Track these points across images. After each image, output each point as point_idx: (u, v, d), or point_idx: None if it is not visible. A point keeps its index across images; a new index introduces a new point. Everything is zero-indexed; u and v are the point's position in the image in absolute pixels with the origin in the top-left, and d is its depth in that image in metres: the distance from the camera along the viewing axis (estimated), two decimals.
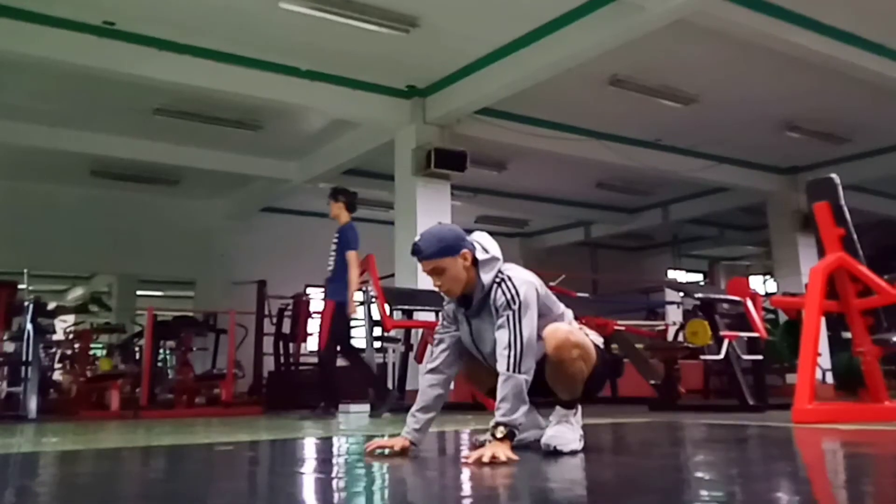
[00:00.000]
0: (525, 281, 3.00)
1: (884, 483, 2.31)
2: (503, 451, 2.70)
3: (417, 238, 3.04)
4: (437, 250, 3.00)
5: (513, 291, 2.94)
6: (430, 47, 8.18)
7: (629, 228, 16.55)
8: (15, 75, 8.48)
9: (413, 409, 3.17)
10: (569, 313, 3.23)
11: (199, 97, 8.91)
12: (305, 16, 7.27)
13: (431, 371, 3.16)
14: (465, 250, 3.02)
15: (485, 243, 3.11)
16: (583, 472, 2.67)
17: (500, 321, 2.93)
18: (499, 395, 2.84)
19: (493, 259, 3.06)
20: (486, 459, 2.66)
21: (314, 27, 7.56)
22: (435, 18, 7.56)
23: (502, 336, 2.89)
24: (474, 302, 3.04)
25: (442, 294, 3.12)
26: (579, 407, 3.16)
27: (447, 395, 3.18)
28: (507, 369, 2.83)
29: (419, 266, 3.09)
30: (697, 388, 9.37)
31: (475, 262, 3.04)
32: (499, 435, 2.77)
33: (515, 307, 2.91)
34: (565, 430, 3.08)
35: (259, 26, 7.72)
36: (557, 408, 3.13)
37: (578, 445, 3.07)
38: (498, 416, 2.82)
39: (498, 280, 3.00)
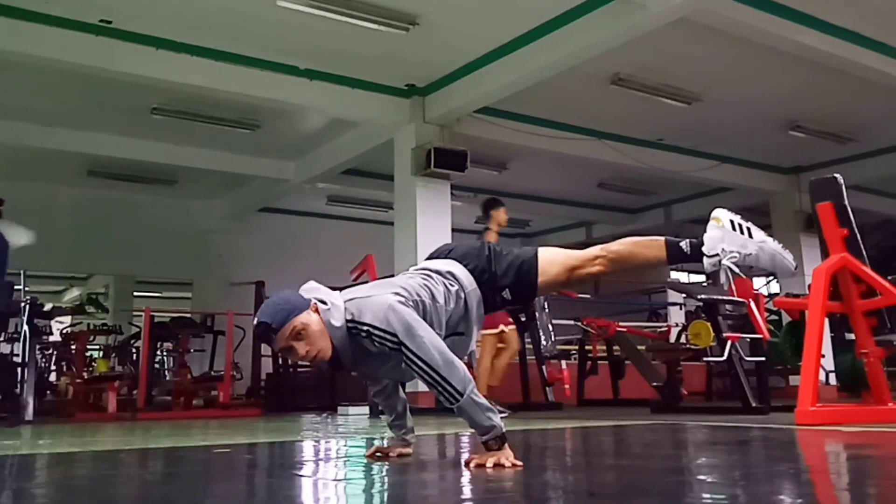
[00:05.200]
0: (385, 312, 2.63)
1: (887, 485, 2.27)
2: (506, 458, 2.61)
3: (256, 321, 2.65)
4: (287, 314, 2.63)
5: (387, 335, 2.61)
6: (429, 46, 8.14)
7: (631, 229, 16.48)
8: (10, 74, 8.44)
9: (389, 422, 3.12)
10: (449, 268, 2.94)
11: (197, 96, 8.88)
12: (304, 14, 7.24)
13: (376, 395, 3.10)
14: (312, 303, 2.69)
15: (318, 292, 2.77)
16: (584, 475, 2.66)
17: (402, 367, 2.64)
18: (467, 423, 2.66)
19: (334, 306, 2.71)
20: (489, 465, 2.58)
21: (312, 25, 7.52)
22: (435, 16, 7.53)
23: (420, 379, 2.63)
24: (343, 354, 2.72)
25: (313, 365, 2.87)
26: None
27: (405, 397, 3.14)
28: (450, 403, 2.60)
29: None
30: (700, 390, 9.33)
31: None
32: (494, 447, 2.64)
33: (402, 347, 2.59)
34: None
35: (257, 25, 7.68)
36: None
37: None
38: (480, 438, 2.67)
39: (363, 333, 2.65)
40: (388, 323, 2.60)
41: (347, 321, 2.67)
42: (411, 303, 2.72)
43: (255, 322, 2.66)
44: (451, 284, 2.89)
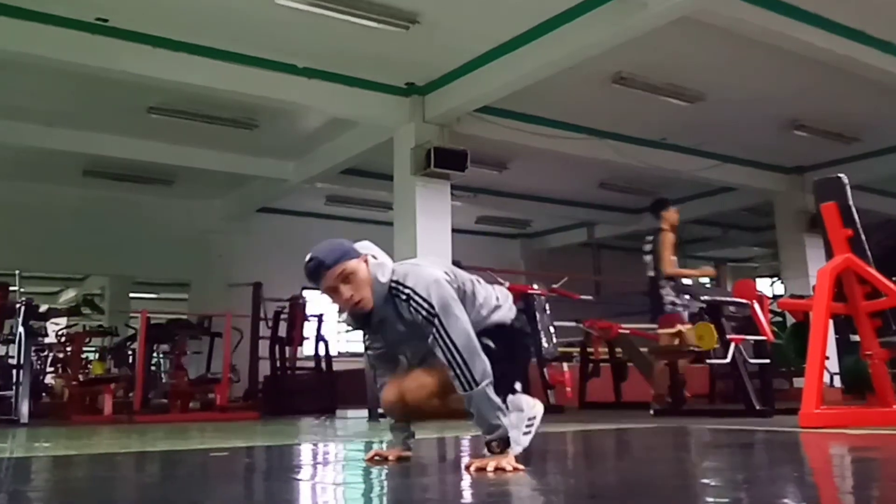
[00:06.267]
0: (429, 283, 2.74)
1: (891, 488, 2.29)
2: (507, 462, 2.58)
3: (309, 257, 2.77)
4: (340, 255, 2.77)
5: (425, 304, 2.70)
6: (429, 44, 8.09)
7: (633, 229, 16.44)
8: (7, 74, 8.39)
9: (391, 424, 3.11)
10: (501, 292, 3.05)
11: (195, 95, 8.83)
12: (302, 12, 7.19)
13: (382, 379, 3.09)
14: (364, 254, 2.82)
15: (371, 250, 2.90)
16: (587, 478, 2.68)
17: (429, 340, 2.70)
18: (474, 416, 2.67)
19: (384, 264, 2.85)
20: (489, 469, 2.55)
21: (311, 24, 7.48)
22: (435, 15, 7.48)
23: (441, 356, 2.67)
24: (376, 311, 2.82)
25: (347, 316, 2.91)
26: (507, 403, 2.82)
27: None
28: (463, 389, 2.63)
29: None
30: (703, 392, 9.28)
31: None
32: (496, 450, 2.64)
33: (435, 320, 2.67)
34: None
35: (255, 23, 7.63)
36: None
37: (518, 447, 2.80)
38: (485, 436, 2.68)
39: (403, 296, 2.75)
40: (429, 293, 2.70)
41: (392, 281, 2.77)
42: (455, 285, 2.81)
43: (307, 258, 2.76)
44: (497, 299, 3.00)
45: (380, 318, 2.84)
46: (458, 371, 2.62)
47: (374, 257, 2.84)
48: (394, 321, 2.83)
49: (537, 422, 2.98)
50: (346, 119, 9.92)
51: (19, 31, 7.20)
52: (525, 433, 2.89)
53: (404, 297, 2.74)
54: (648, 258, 7.30)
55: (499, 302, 2.99)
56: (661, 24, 7.04)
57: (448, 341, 2.64)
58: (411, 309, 2.71)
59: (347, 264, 2.75)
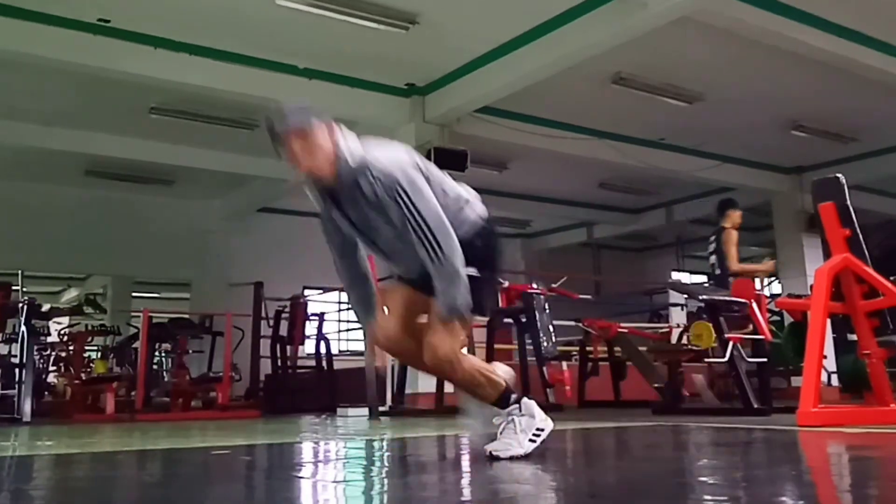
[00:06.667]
0: (393, 157, 2.63)
1: (889, 487, 2.29)
2: (449, 339, 2.56)
3: (270, 112, 2.64)
4: (306, 115, 2.63)
5: (390, 178, 2.56)
6: (429, 45, 8.11)
7: (632, 229, 16.48)
8: (7, 73, 8.41)
9: (355, 298, 2.98)
10: (467, 189, 2.89)
11: (196, 96, 8.85)
12: (303, 13, 7.21)
13: (343, 269, 2.94)
14: (331, 122, 2.67)
15: (343, 129, 2.75)
16: (586, 477, 2.67)
17: (395, 218, 2.57)
18: (438, 291, 2.58)
19: (349, 134, 2.71)
20: (433, 340, 2.57)
21: (312, 24, 7.50)
22: (435, 15, 7.50)
23: (413, 237, 2.55)
24: (341, 187, 2.65)
25: (304, 183, 2.75)
26: (520, 403, 2.81)
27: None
28: (432, 262, 2.55)
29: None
30: None
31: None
32: (447, 320, 2.58)
33: (403, 194, 2.55)
34: (507, 432, 2.79)
35: (256, 24, 7.65)
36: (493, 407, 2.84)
37: (520, 450, 2.75)
38: (441, 309, 2.59)
39: (369, 173, 2.60)
40: (393, 166, 2.57)
41: (356, 155, 2.64)
42: (422, 169, 2.68)
43: (268, 113, 2.64)
44: (466, 192, 2.87)
45: (345, 196, 2.68)
46: (429, 244, 2.53)
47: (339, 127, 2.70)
48: (358, 198, 2.67)
49: (544, 435, 2.86)
50: (346, 119, 9.87)
51: (20, 32, 7.23)
52: (531, 440, 2.80)
53: (370, 172, 2.60)
54: (712, 258, 7.32)
55: (468, 196, 2.87)
56: (660, 24, 7.07)
57: (418, 218, 2.54)
58: (374, 180, 2.58)
59: (309, 123, 2.62)
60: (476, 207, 2.86)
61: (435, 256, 2.54)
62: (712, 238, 7.55)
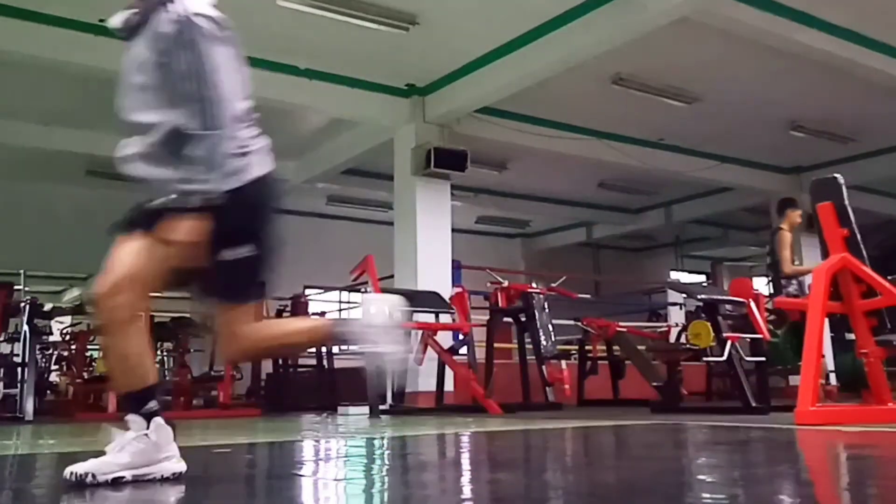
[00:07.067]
0: (205, 5, 2.22)
1: (887, 485, 2.29)
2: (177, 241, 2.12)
3: None
4: None
5: (189, 11, 2.16)
6: (429, 45, 8.13)
7: (632, 229, 16.49)
8: (9, 74, 8.42)
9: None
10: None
11: None
12: (303, 13, 7.23)
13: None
14: None
15: None
16: (585, 475, 2.66)
17: (172, 61, 2.16)
18: (199, 158, 2.18)
19: None
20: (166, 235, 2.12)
21: (312, 25, 7.51)
22: (435, 16, 7.51)
23: (187, 86, 2.15)
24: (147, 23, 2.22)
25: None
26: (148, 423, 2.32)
27: None
28: (204, 127, 2.15)
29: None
30: (700, 390, 9.31)
31: None
32: (175, 204, 2.16)
33: (197, 36, 2.15)
34: (112, 448, 2.27)
35: (256, 24, 7.64)
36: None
37: (120, 472, 2.25)
38: (168, 200, 2.18)
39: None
40: (203, 10, 2.21)
41: None
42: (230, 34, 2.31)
43: None
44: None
45: (141, 16, 2.28)
46: (207, 105, 2.17)
47: None
48: (142, 41, 2.27)
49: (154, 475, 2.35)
50: (346, 119, 9.93)
51: (20, 32, 7.23)
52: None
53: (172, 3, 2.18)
54: (768, 258, 7.26)
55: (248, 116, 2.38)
56: (660, 25, 7.07)
57: (203, 67, 2.18)
58: (170, 18, 2.18)
59: None
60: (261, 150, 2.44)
61: (209, 115, 2.25)
62: (767, 240, 7.42)
